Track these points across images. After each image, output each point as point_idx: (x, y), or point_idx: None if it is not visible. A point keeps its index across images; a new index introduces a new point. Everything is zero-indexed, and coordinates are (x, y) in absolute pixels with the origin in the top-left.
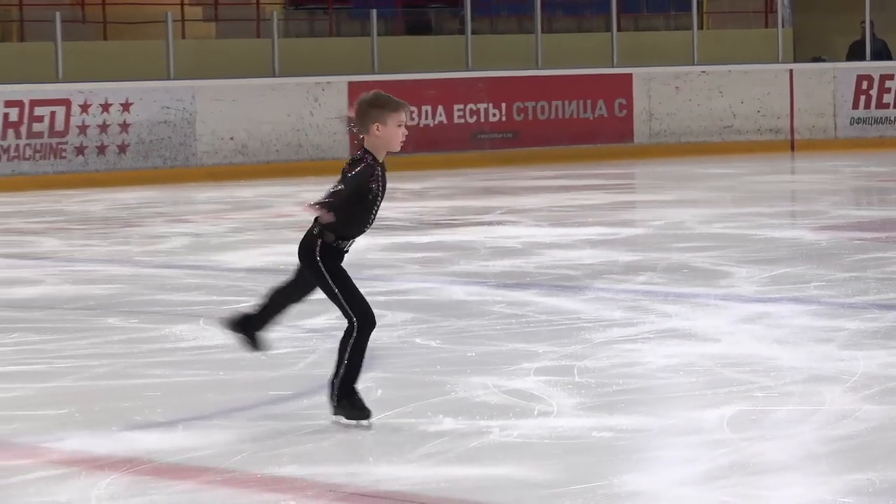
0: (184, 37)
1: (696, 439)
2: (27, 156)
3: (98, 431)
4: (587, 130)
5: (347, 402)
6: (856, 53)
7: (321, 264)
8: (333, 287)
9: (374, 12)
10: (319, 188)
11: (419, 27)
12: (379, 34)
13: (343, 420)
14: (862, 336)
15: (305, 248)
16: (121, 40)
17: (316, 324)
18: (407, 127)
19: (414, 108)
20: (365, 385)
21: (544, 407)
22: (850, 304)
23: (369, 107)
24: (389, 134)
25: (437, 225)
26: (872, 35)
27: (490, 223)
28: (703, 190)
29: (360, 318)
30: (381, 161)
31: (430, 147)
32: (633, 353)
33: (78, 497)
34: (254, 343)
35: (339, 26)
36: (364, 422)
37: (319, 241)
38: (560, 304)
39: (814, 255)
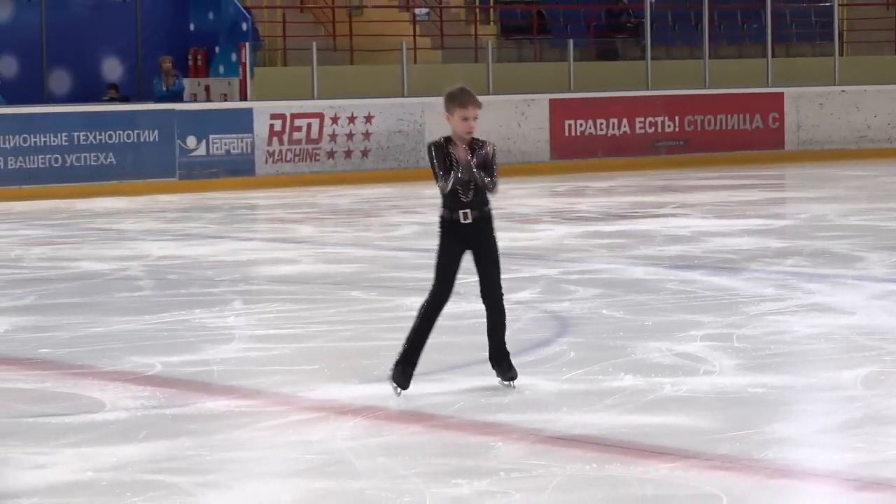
0: (415, 62)
1: (834, 395)
2: (288, 159)
3: (343, 384)
4: (746, 139)
5: (399, 367)
6: None
7: (439, 235)
8: (437, 255)
9: (570, 42)
10: (524, 187)
11: (608, 54)
12: (575, 60)
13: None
14: None
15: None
16: (364, 65)
17: (521, 297)
18: (594, 137)
19: (602, 120)
20: (561, 348)
21: (708, 367)
22: None
23: (445, 99)
24: (455, 124)
25: (622, 216)
26: None
27: (665, 215)
28: (842, 189)
29: (436, 288)
30: (458, 144)
31: (616, 152)
32: (782, 324)
33: (326, 437)
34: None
35: (542, 53)
36: (397, 390)
37: (440, 217)
38: (722, 282)
39: None
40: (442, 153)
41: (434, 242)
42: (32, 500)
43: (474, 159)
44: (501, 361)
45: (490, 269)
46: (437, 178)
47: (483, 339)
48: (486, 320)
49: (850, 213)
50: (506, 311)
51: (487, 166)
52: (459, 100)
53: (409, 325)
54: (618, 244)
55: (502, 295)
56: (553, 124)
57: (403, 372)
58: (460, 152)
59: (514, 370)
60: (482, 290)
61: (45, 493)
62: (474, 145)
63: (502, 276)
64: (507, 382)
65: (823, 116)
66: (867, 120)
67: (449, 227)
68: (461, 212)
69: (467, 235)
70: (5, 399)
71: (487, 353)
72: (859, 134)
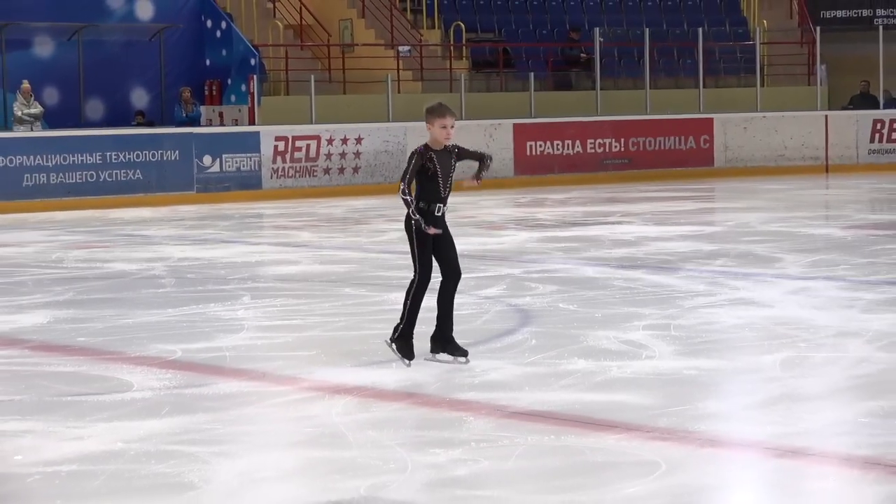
0: (399, 92)
1: (757, 376)
2: (290, 175)
3: (337, 367)
4: (681, 158)
5: (400, 342)
6: (855, 104)
7: (413, 225)
8: (416, 244)
9: (531, 74)
10: (492, 199)
11: (563, 85)
12: (535, 90)
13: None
14: (876, 304)
15: (406, 215)
16: (355, 94)
17: (489, 293)
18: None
19: (559, 142)
20: (523, 336)
21: (649, 352)
22: (868, 281)
23: (427, 112)
24: (435, 131)
25: (575, 223)
26: (867, 91)
27: (612, 223)
28: (763, 200)
29: (421, 274)
30: (436, 149)
31: (570, 169)
32: (712, 315)
33: (323, 412)
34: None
35: (507, 84)
36: (405, 361)
37: (415, 209)
38: (661, 280)
39: (841, 246)
40: (421, 160)
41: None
42: (72, 466)
43: (454, 160)
44: (451, 340)
45: (454, 249)
46: (403, 176)
47: (457, 329)
48: (438, 304)
49: (770, 221)
50: (479, 306)
51: (464, 154)
52: (439, 111)
53: (394, 316)
54: (572, 247)
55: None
56: (517, 145)
57: (407, 345)
58: (466, 183)
59: (462, 347)
60: (445, 270)
61: (81, 461)
62: (449, 148)
63: (473, 274)
64: (458, 358)
65: (747, 138)
66: (784, 141)
67: (425, 217)
68: (437, 205)
69: (436, 224)
70: (48, 380)
71: (431, 336)
72: (777, 153)
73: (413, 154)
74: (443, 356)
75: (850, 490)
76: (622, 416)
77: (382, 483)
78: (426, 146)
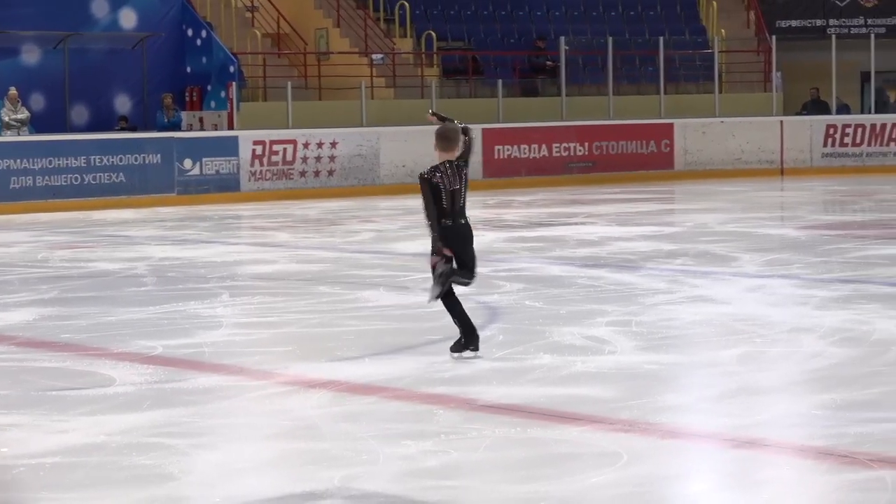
0: (372, 98)
1: (715, 370)
2: (267, 178)
3: (311, 363)
4: (643, 161)
5: (468, 339)
6: (808, 109)
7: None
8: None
9: (500, 81)
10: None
11: (530, 91)
12: (503, 96)
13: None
14: (828, 301)
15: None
16: (330, 101)
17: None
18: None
19: (526, 146)
20: (491, 332)
21: (611, 348)
22: (820, 279)
23: (459, 133)
24: (449, 158)
25: (541, 224)
26: (818, 98)
27: (576, 223)
28: (720, 202)
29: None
30: (442, 169)
31: (536, 172)
32: (672, 312)
33: (298, 406)
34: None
35: (476, 90)
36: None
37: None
38: (623, 278)
39: (796, 245)
40: (429, 185)
41: (391, 247)
42: (55, 458)
43: (462, 170)
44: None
45: (467, 256)
46: (427, 208)
47: (427, 325)
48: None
49: (728, 222)
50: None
51: (464, 155)
52: (455, 141)
53: (366, 314)
54: (538, 247)
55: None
56: (485, 149)
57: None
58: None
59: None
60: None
61: (65, 453)
62: (455, 162)
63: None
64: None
65: (706, 143)
66: (741, 146)
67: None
68: (443, 220)
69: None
70: (33, 375)
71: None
72: (735, 157)
73: (423, 181)
74: (467, 353)
75: (805, 479)
76: (585, 409)
77: (355, 474)
78: (433, 168)
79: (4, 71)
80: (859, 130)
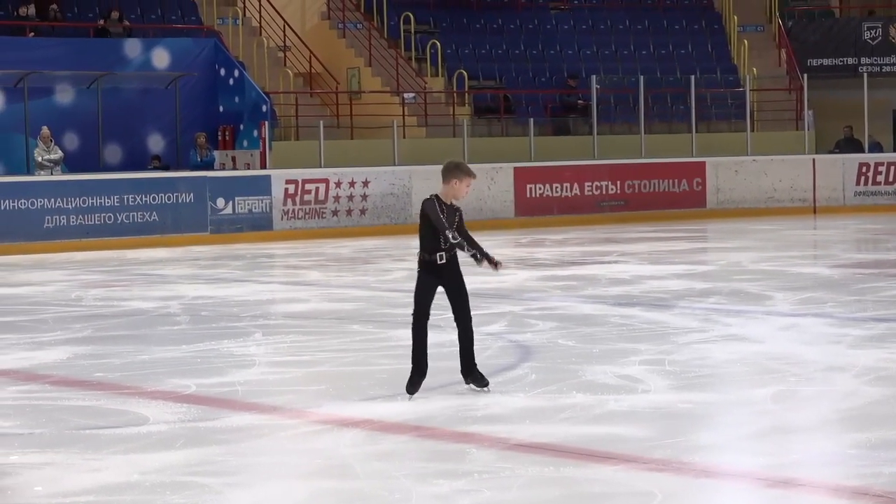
0: (404, 137)
1: (748, 409)
2: (300, 216)
3: (344, 401)
4: (675, 199)
5: (410, 378)
6: (841, 148)
7: (418, 273)
8: (416, 287)
9: (531, 120)
10: (493, 239)
11: (562, 130)
12: (535, 135)
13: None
14: (862, 340)
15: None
16: (362, 139)
17: (491, 329)
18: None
19: (558, 184)
20: (524, 371)
21: (645, 386)
22: (854, 318)
23: (453, 167)
24: (458, 189)
25: (574, 263)
26: (851, 136)
27: (609, 262)
28: (753, 240)
29: (415, 314)
30: (445, 203)
31: (568, 211)
32: (705, 350)
33: (331, 444)
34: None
35: (508, 129)
36: (408, 395)
37: (419, 259)
38: (656, 317)
39: (829, 284)
40: (437, 209)
41: None
42: (89, 497)
43: (458, 219)
44: (473, 372)
45: (461, 297)
46: (441, 228)
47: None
48: (458, 343)
49: (761, 260)
50: (474, 332)
51: (462, 228)
52: (468, 172)
53: (400, 353)
54: (570, 286)
55: (471, 318)
56: (517, 187)
57: (411, 381)
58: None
59: (485, 378)
60: (456, 316)
61: (99, 492)
62: (456, 206)
63: (476, 312)
64: (482, 388)
65: (738, 181)
66: (773, 184)
67: (427, 266)
68: (439, 254)
69: (441, 272)
70: (67, 414)
71: (460, 370)
72: (767, 195)
73: (430, 204)
74: (470, 385)
75: None
76: (619, 448)
77: None
78: (437, 197)
79: (38, 111)
80: (892, 168)
